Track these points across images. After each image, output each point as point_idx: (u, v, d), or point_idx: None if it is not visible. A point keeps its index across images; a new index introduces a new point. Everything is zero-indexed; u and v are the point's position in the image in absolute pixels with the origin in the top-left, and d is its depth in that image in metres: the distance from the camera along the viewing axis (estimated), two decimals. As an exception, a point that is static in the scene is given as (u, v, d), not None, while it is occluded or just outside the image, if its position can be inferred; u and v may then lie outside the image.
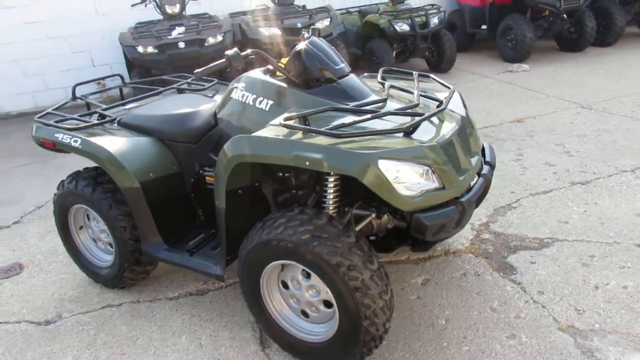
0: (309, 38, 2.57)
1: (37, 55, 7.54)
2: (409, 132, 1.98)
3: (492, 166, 2.40)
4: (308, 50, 2.30)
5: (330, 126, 1.93)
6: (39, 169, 5.11)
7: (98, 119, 2.81)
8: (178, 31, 5.86)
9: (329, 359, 2.14)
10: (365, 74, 2.87)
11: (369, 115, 2.03)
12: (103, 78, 3.39)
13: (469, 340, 2.28)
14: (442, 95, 2.40)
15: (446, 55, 7.09)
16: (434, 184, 1.96)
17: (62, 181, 2.81)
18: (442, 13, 7.06)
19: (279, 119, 2.01)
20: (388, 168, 1.85)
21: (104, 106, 2.97)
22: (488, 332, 2.31)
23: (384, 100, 2.26)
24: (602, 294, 2.48)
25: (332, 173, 2.14)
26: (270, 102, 2.34)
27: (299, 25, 6.20)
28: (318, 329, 2.17)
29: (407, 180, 1.90)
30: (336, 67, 2.30)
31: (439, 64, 7.27)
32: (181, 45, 5.77)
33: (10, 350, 2.51)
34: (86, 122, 2.71)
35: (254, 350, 2.34)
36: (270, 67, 2.46)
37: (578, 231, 3.03)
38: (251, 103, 2.39)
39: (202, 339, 2.45)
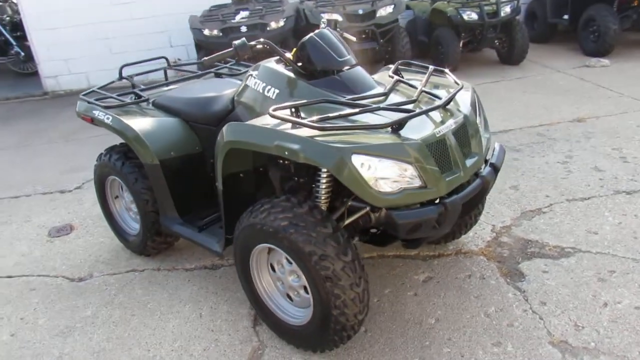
0: (323, 28, 2.62)
1: (122, 35, 8.15)
2: (396, 128, 1.98)
3: (495, 168, 2.32)
4: (312, 42, 2.34)
5: (314, 118, 1.98)
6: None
7: (135, 99, 3.04)
8: (242, 15, 6.07)
9: (307, 342, 2.22)
10: (389, 66, 2.83)
11: (357, 110, 2.05)
12: (150, 60, 3.63)
13: (453, 342, 2.25)
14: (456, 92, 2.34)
15: (517, 46, 6.73)
16: (414, 182, 1.95)
17: (101, 153, 3.09)
18: (516, 1, 6.68)
19: (271, 109, 2.09)
20: (363, 163, 1.86)
21: (142, 87, 3.21)
22: (474, 337, 2.27)
23: (384, 95, 2.26)
24: (609, 312, 2.33)
25: None
26: (277, 91, 2.41)
27: (360, 12, 6.18)
28: (299, 313, 2.25)
29: (384, 176, 1.90)
30: (339, 60, 2.33)
31: (510, 56, 6.91)
32: (243, 29, 5.97)
33: (43, 300, 2.84)
34: (122, 101, 2.95)
35: (245, 326, 2.47)
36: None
37: (605, 243, 2.83)
38: (261, 91, 2.48)
39: (203, 309, 2.63)
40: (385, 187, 1.91)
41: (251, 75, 2.59)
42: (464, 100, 2.32)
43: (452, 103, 2.26)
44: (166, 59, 3.64)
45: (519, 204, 3.34)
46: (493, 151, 2.45)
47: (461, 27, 6.70)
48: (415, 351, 2.22)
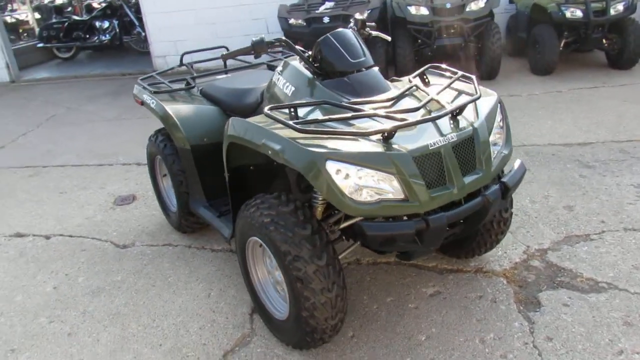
0: (350, 27, 2.59)
1: (226, 20, 8.62)
2: (386, 136, 1.92)
3: (506, 188, 2.15)
4: (327, 42, 2.33)
5: (301, 120, 1.98)
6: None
7: (185, 86, 3.25)
8: (326, 6, 6.11)
9: (286, 337, 2.27)
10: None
11: (349, 114, 2.02)
12: (211, 49, 3.83)
13: (435, 363, 2.16)
14: (479, 102, 2.20)
15: (629, 49, 6.00)
16: (396, 194, 1.89)
17: (151, 135, 3.35)
18: (632, -1, 5.95)
19: (267, 107, 2.12)
20: (340, 170, 1.84)
21: (195, 74, 3.41)
22: (459, 362, 2.15)
23: (392, 100, 2.19)
24: (621, 361, 2.07)
25: None
26: (293, 89, 2.45)
27: (448, 5, 5.91)
28: (282, 308, 2.29)
29: (361, 185, 1.86)
30: (352, 61, 2.29)
31: (620, 59, 6.19)
32: (326, 20, 6.02)
33: (88, 261, 3.19)
34: (170, 87, 3.17)
35: (243, 312, 2.57)
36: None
37: (649, 283, 2.50)
38: (281, 87, 2.53)
39: (213, 290, 2.78)
40: (362, 196, 1.87)
41: (277, 71, 2.65)
42: (480, 112, 2.17)
43: (463, 114, 2.13)
44: (226, 48, 3.81)
45: (566, 227, 3.05)
46: (510, 169, 2.27)
47: (563, 25, 6.13)
48: (393, 365, 2.17)
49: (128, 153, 5.12)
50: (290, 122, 1.94)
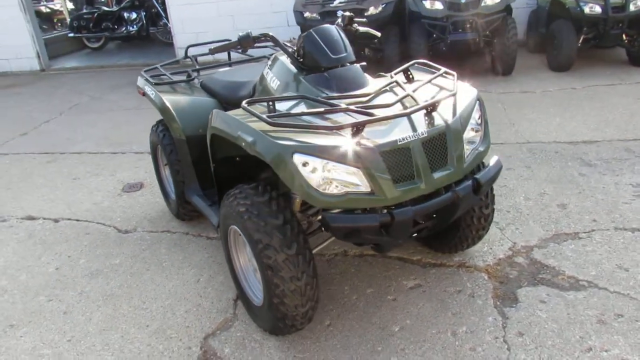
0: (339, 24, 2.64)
1: (245, 13, 8.73)
2: (355, 131, 1.98)
3: (478, 184, 2.17)
4: (310, 37, 2.38)
5: (275, 113, 2.05)
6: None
7: (186, 78, 3.36)
8: (340, 0, 6.14)
9: (262, 323, 2.35)
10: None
11: (322, 109, 2.08)
12: (216, 42, 3.91)
13: (404, 353, 2.21)
14: (456, 99, 2.22)
15: (649, 46, 5.84)
16: (361, 187, 1.94)
17: (153, 125, 3.48)
18: (655, -7, 5.77)
19: (245, 101, 2.20)
20: (307, 162, 1.91)
21: (197, 67, 3.51)
22: (428, 354, 2.20)
23: (368, 96, 2.24)
24: (588, 359, 2.08)
25: None
26: (279, 83, 2.52)
27: (462, 0, 5.85)
28: (260, 294, 2.38)
29: (328, 178, 1.93)
30: (333, 57, 2.34)
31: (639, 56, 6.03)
32: (339, 13, 6.03)
33: (90, 244, 3.35)
34: (170, 79, 3.28)
35: (228, 298, 2.68)
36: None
37: (630, 283, 2.48)
38: (268, 80, 2.61)
39: (202, 276, 2.89)
40: (328, 188, 1.93)
41: (267, 64, 2.72)
42: (455, 109, 2.20)
43: (439, 111, 2.16)
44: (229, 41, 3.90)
45: (556, 225, 3.04)
46: (484, 166, 2.29)
47: (582, 21, 6.00)
48: (364, 354, 2.23)
49: (142, 142, 5.29)
50: (263, 116, 2.01)
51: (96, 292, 2.83)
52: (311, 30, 2.41)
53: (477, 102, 2.31)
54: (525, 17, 7.56)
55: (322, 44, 2.36)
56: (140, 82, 3.40)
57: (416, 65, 2.65)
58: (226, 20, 8.84)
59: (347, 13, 2.74)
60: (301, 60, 2.43)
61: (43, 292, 2.88)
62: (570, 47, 5.95)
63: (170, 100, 3.03)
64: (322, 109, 2.08)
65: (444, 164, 2.10)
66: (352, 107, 2.07)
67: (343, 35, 2.45)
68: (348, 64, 2.37)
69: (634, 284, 2.48)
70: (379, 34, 2.94)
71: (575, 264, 2.67)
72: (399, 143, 1.98)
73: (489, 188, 2.30)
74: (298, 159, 1.90)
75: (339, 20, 2.70)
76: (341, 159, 1.92)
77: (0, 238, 3.53)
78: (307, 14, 6.33)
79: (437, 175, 2.05)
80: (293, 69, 2.47)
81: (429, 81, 2.33)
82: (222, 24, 8.81)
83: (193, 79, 3.32)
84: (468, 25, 6.01)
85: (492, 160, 2.33)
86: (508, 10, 6.18)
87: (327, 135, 1.99)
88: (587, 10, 5.80)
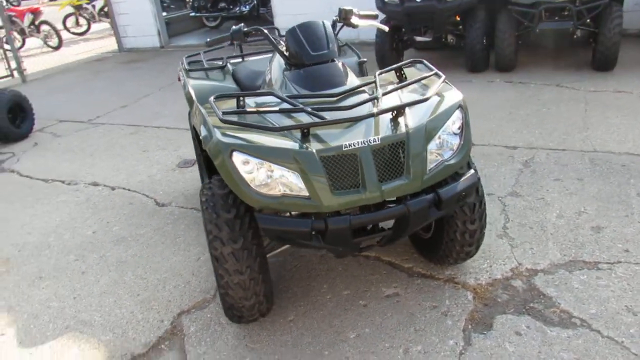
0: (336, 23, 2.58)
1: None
2: (305, 132, 1.96)
3: (439, 199, 2.02)
4: (292, 32, 2.37)
5: (230, 110, 2.09)
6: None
7: (221, 65, 3.51)
8: (420, -16, 5.84)
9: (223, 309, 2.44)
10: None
11: (276, 108, 2.08)
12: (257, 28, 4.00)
13: (347, 362, 2.17)
14: (432, 105, 2.09)
15: None
16: (300, 191, 1.93)
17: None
18: None
19: (214, 95, 2.26)
20: (247, 161, 1.94)
21: (236, 54, 3.65)
22: (370, 366, 2.13)
23: (339, 95, 2.17)
24: (536, 405, 1.86)
25: None
26: (270, 77, 2.56)
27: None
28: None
29: (265, 178, 1.94)
30: (312, 54, 2.31)
31: None
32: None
33: (128, 213, 3.70)
34: (203, 67, 3.45)
35: (214, 280, 2.81)
36: None
37: (631, 330, 2.14)
38: (267, 73, 2.66)
39: (204, 255, 3.05)
40: (265, 189, 1.94)
41: (270, 58, 2.76)
42: (424, 116, 2.05)
43: (408, 116, 2.04)
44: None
45: (578, 250, 2.69)
46: (452, 180, 2.11)
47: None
48: (309, 356, 2.23)
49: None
50: (218, 111, 2.06)
51: (113, 258, 3.15)
52: (295, 26, 2.39)
53: (459, 109, 2.13)
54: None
55: (303, 40, 2.33)
56: (179, 67, 3.62)
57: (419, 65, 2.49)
58: (324, 3, 8.89)
59: (346, 7, 2.64)
60: (287, 55, 2.42)
61: (75, 251, 3.27)
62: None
63: (194, 86, 3.19)
64: (276, 108, 2.07)
65: (398, 174, 1.98)
66: (308, 108, 2.03)
67: (329, 31, 2.39)
68: (329, 62, 2.32)
69: (635, 332, 2.14)
70: (386, 28, 2.81)
71: (576, 298, 2.36)
72: (344, 149, 1.92)
73: (454, 204, 2.12)
74: (237, 157, 1.93)
75: (335, 18, 2.62)
76: (279, 160, 1.92)
77: (64, 199, 4.05)
78: (388, -1, 6.14)
79: (387, 185, 1.96)
80: (282, 64, 2.48)
81: (408, 84, 2.19)
82: (317, 6, 8.89)
83: (225, 66, 3.45)
84: (563, 13, 5.38)
85: (467, 174, 2.14)
86: (616, -4, 5.40)
87: (274, 136, 1.99)
88: None
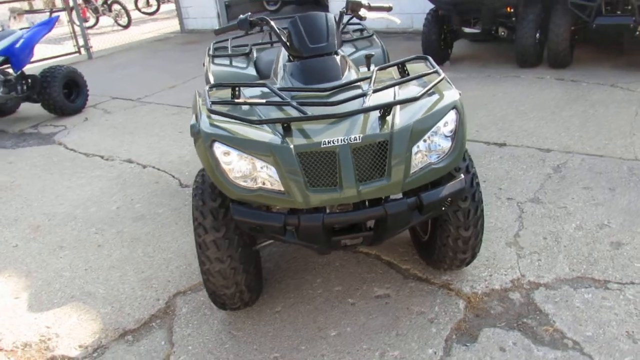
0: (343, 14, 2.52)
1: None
2: (286, 127, 1.95)
3: (421, 204, 1.95)
4: (294, 24, 2.34)
5: (221, 100, 2.11)
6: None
7: (246, 52, 3.54)
8: (472, -28, 5.58)
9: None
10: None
11: (263, 100, 2.07)
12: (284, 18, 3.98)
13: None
14: (424, 104, 2.01)
15: None
16: (276, 185, 1.92)
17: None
18: None
19: (209, 85, 2.28)
20: (228, 152, 1.95)
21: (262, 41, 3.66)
22: (343, 366, 2.11)
23: (330, 90, 2.13)
24: None
25: None
26: (275, 66, 2.55)
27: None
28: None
29: (244, 170, 1.95)
30: (310, 46, 2.28)
31: None
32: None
33: (152, 192, 3.84)
34: (228, 52, 3.49)
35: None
36: None
37: (626, 359, 1.98)
38: (275, 62, 2.66)
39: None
40: (243, 181, 1.95)
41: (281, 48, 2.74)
42: (412, 116, 1.98)
43: (397, 116, 1.98)
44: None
45: (590, 266, 2.52)
46: (438, 184, 2.02)
47: None
48: (285, 349, 2.24)
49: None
50: (208, 100, 2.08)
51: (129, 234, 3.29)
52: (297, 16, 2.36)
53: (453, 110, 2.03)
54: None
55: (302, 32, 2.30)
56: (206, 53, 3.68)
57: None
58: None
59: None
60: (288, 47, 2.40)
61: (97, 225, 3.45)
62: None
63: (214, 72, 3.25)
64: (263, 100, 2.07)
65: (379, 174, 1.93)
66: (293, 102, 2.01)
67: (331, 24, 2.34)
68: (327, 55, 2.27)
69: (635, 358, 1.98)
70: (398, 21, 2.70)
71: (574, 318, 2.21)
72: (322, 146, 1.89)
73: (438, 209, 2.03)
74: (218, 147, 1.95)
75: (343, 7, 2.55)
76: (257, 153, 1.92)
77: (98, 174, 4.27)
78: (438, -12, 5.92)
79: (365, 186, 1.91)
80: (285, 53, 2.47)
81: (402, 82, 2.11)
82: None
83: (250, 52, 3.48)
84: (626, 8, 4.97)
85: (456, 179, 2.05)
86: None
87: (258, 129, 1.99)
88: None
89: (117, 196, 3.84)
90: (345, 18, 2.64)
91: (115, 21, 13.37)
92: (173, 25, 12.39)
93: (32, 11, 14.87)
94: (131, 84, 7.22)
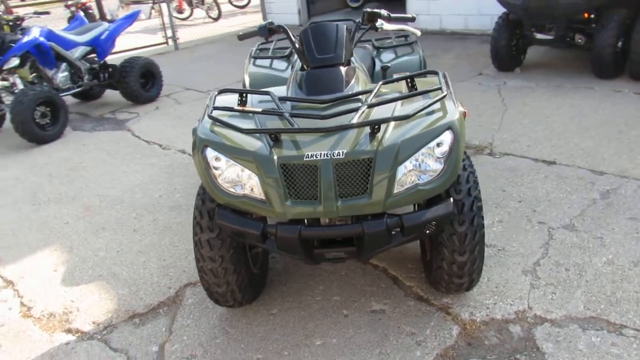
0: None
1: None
2: (274, 137, 2.00)
3: (402, 225, 1.91)
4: (305, 34, 2.37)
5: (222, 106, 2.19)
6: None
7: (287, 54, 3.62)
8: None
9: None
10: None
11: (259, 109, 2.12)
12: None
13: (299, 367, 2.19)
14: (418, 123, 1.97)
15: None
16: (258, 193, 1.97)
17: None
18: None
19: (219, 89, 2.37)
20: (219, 158, 2.03)
21: None
22: (318, 377, 2.12)
23: (327, 102, 2.13)
24: None
25: None
26: (288, 72, 2.60)
27: None
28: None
29: (231, 177, 2.02)
30: (317, 57, 2.30)
31: None
32: None
33: (195, 183, 4.03)
34: (269, 55, 3.58)
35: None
36: None
37: (616, 415, 1.80)
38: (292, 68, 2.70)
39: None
40: (231, 187, 2.02)
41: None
42: (401, 135, 1.93)
43: (386, 132, 1.95)
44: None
45: (609, 306, 2.31)
46: (420, 206, 1.96)
47: None
48: (270, 352, 2.29)
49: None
50: (211, 106, 2.17)
51: (162, 222, 3.51)
52: (307, 27, 2.37)
53: (448, 131, 1.95)
54: None
55: (312, 42, 2.31)
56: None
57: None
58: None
59: (369, 9, 2.52)
60: (301, 56, 2.43)
61: (137, 210, 3.71)
62: None
63: (250, 73, 3.35)
64: (258, 110, 2.12)
65: (361, 192, 1.91)
66: (286, 113, 2.05)
67: (341, 35, 2.32)
68: (333, 66, 2.27)
69: (620, 418, 1.80)
70: (418, 33, 2.62)
71: (576, 357, 2.05)
72: (305, 159, 1.90)
73: (420, 232, 1.97)
74: (210, 152, 2.04)
75: (363, 16, 2.52)
76: (243, 161, 1.97)
77: (153, 162, 4.57)
78: (510, -8, 5.60)
79: (345, 202, 1.90)
80: (298, 61, 2.50)
81: (400, 98, 2.06)
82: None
83: (290, 55, 3.54)
84: None
85: (440, 204, 1.97)
86: None
87: (250, 137, 2.04)
88: None
89: (163, 184, 4.09)
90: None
91: (207, 14, 14.04)
92: (259, 19, 12.78)
93: (138, 2, 16.00)
94: (205, 76, 7.58)
